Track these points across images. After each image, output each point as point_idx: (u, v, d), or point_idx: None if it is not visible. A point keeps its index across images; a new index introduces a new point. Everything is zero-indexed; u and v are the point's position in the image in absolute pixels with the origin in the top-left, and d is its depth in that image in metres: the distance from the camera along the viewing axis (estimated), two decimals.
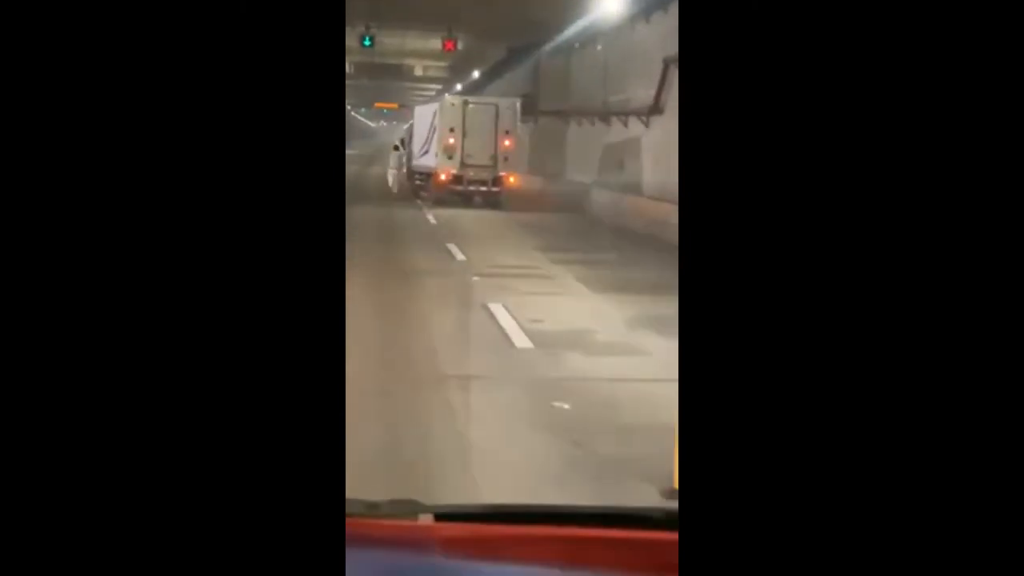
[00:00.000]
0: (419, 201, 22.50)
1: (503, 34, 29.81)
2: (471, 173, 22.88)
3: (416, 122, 27.08)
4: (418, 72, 49.84)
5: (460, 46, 29.67)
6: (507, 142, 23.01)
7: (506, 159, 22.97)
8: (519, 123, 24.30)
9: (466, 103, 24.01)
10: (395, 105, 64.89)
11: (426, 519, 1.38)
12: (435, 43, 36.02)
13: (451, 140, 22.97)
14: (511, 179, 23.09)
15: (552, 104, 28.87)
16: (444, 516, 1.40)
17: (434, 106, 24.63)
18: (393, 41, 36.76)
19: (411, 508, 1.40)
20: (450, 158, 22.91)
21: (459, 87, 48.24)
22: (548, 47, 27.59)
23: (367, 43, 29.07)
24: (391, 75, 50.27)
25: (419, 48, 39.85)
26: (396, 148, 28.01)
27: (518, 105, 24.32)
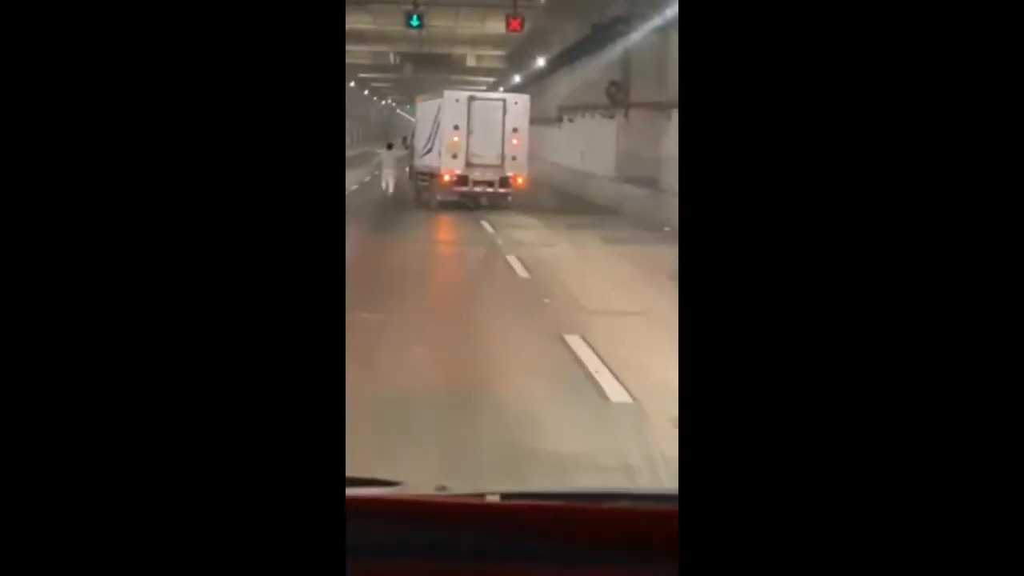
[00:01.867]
0: (487, 226, 18.21)
1: (583, 8, 24.43)
2: (477, 173, 21.33)
3: (419, 119, 25.02)
4: (470, 62, 45.03)
5: (527, 25, 24.93)
6: (515, 140, 21.51)
7: (514, 158, 21.48)
8: (527, 120, 22.61)
9: (471, 98, 22.30)
10: None
11: (439, 494, 1.46)
12: (493, 24, 31.50)
13: (455, 138, 21.45)
14: (519, 180, 21.57)
15: (646, 94, 23.79)
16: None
17: (438, 101, 22.67)
18: (444, 24, 32.09)
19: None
20: (454, 157, 21.35)
21: (518, 79, 43.11)
22: (641, 24, 22.07)
23: (415, 23, 25.02)
24: (440, 66, 45.55)
25: (473, 32, 35.08)
26: (389, 147, 25.86)
27: (527, 102, 22.71)
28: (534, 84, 36.61)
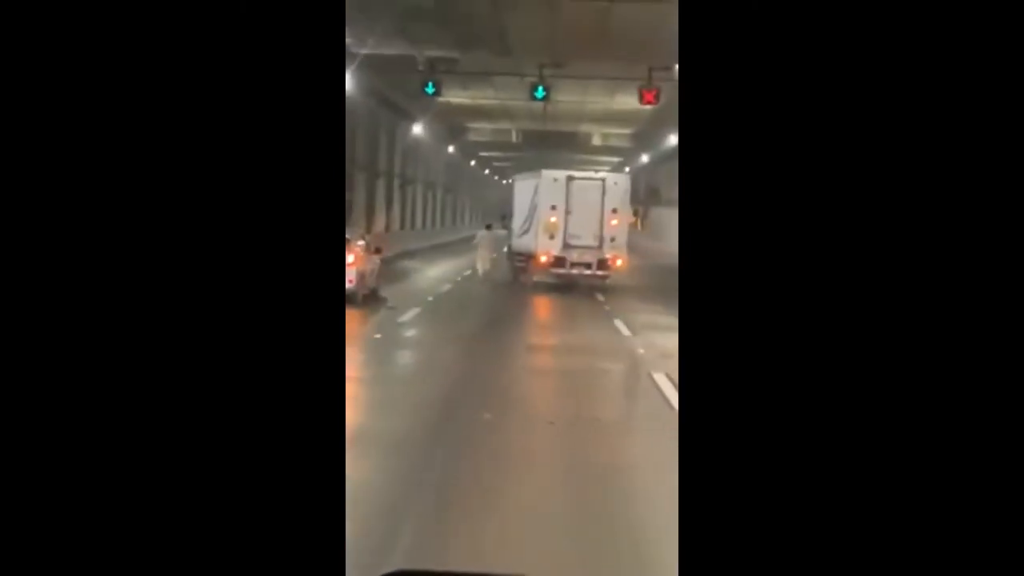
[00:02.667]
0: (622, 327, 15.49)
1: None
2: (575, 255, 20.80)
3: (516, 198, 24.09)
4: (596, 141, 43.37)
5: (663, 99, 23.21)
6: (614, 221, 21.05)
7: (613, 239, 20.96)
8: (628, 200, 22.39)
9: (570, 178, 21.64)
10: None
11: None
12: (622, 99, 29.71)
13: (553, 219, 20.96)
14: (618, 262, 21.08)
15: None
16: None
17: (535, 180, 22.16)
18: (570, 99, 30.42)
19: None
20: (552, 238, 20.85)
21: (645, 158, 41.27)
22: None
23: (540, 94, 23.03)
24: (564, 145, 44.14)
25: (600, 108, 33.35)
26: (488, 227, 24.95)
27: (627, 181, 22.42)
28: (664, 163, 34.77)
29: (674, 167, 32.99)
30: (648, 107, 23.75)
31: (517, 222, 23.24)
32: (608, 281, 20.59)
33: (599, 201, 21.03)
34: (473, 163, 47.86)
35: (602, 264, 20.78)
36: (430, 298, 18.64)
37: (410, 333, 14.33)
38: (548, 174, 21.98)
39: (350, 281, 15.53)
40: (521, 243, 22.43)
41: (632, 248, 23.57)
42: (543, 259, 20.92)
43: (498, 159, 50.90)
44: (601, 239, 20.84)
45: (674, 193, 32.26)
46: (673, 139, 32.57)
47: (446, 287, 21.26)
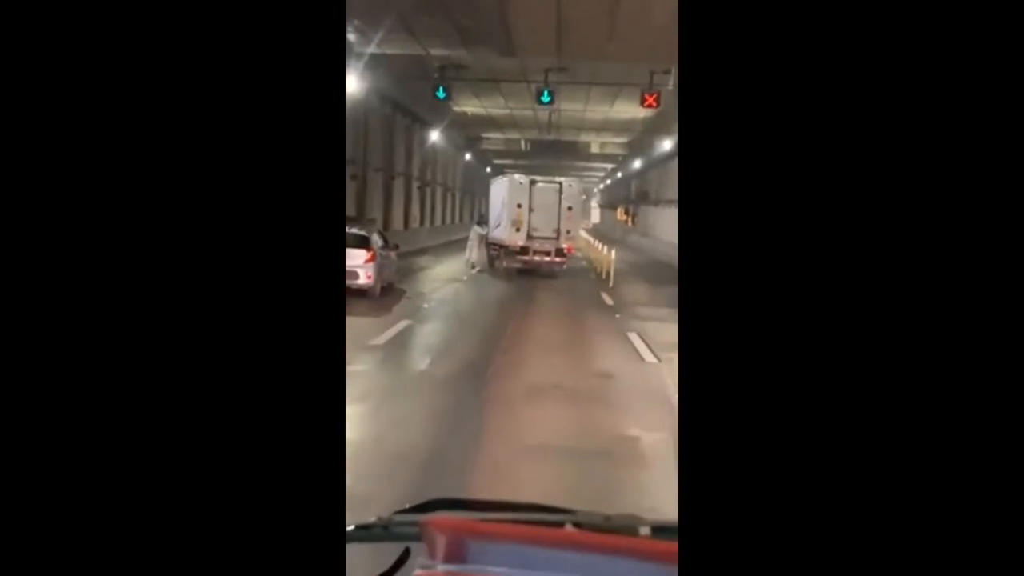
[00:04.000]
0: (642, 348, 10.49)
1: None
2: (537, 244, 21.15)
3: (492, 198, 24.24)
4: (594, 148, 39.76)
5: (654, 111, 20.18)
6: (569, 217, 21.47)
7: (568, 232, 21.44)
8: (581, 201, 22.59)
9: (533, 182, 21.98)
10: None
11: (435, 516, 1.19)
12: (621, 107, 26.08)
13: (519, 215, 21.36)
14: (571, 250, 21.71)
15: None
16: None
17: (506, 183, 22.56)
18: (573, 108, 26.96)
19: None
20: (518, 231, 21.33)
21: (638, 163, 37.69)
22: None
23: (545, 99, 19.79)
24: (565, 153, 40.69)
25: (600, 118, 29.77)
26: (478, 223, 24.30)
27: (580, 185, 22.74)
28: (654, 168, 31.46)
29: (663, 170, 30.28)
30: (643, 116, 22.24)
31: (492, 218, 23.23)
32: (609, 284, 19.11)
33: (557, 201, 21.32)
34: (488, 169, 44.47)
35: (559, 252, 21.15)
36: (425, 305, 14.68)
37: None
38: (516, 178, 22.41)
39: (368, 277, 14.08)
40: (495, 235, 22.37)
41: (626, 244, 23.05)
42: (510, 247, 21.24)
43: (509, 165, 47.50)
44: (559, 232, 21.14)
45: (664, 193, 29.39)
46: (663, 145, 29.33)
47: (449, 289, 17.23)
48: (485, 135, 39.30)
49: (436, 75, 19.77)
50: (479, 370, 8.42)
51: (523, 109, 28.39)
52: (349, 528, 1.11)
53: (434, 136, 31.11)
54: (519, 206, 21.41)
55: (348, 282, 14.16)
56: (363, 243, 14.66)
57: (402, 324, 11.26)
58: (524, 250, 21.16)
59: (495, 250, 22.15)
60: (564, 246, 21.13)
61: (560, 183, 21.92)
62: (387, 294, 14.90)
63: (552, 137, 37.24)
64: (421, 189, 33.16)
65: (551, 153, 40.16)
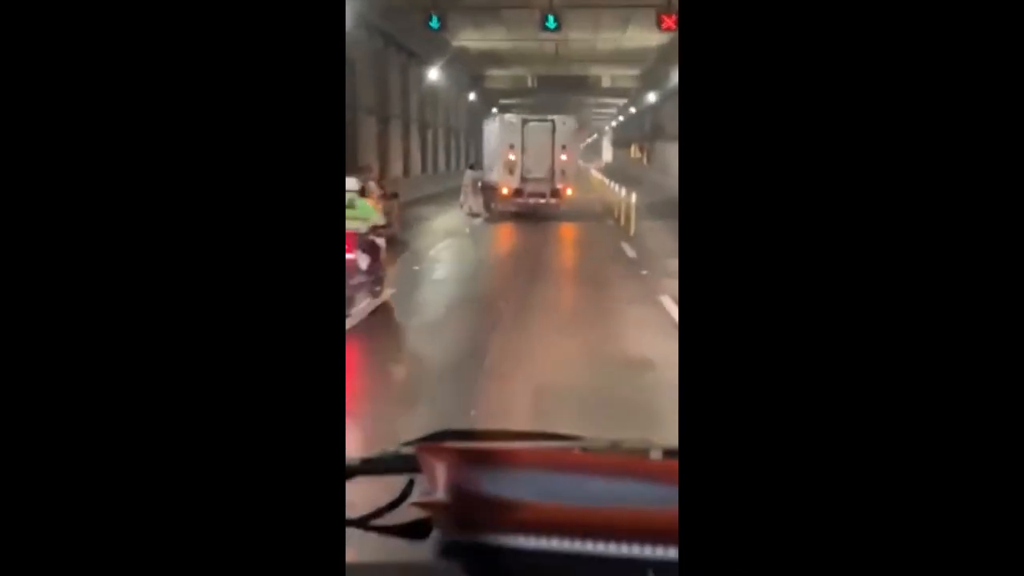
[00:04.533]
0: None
1: None
2: (531, 187, 20.44)
3: (485, 140, 23.80)
4: (606, 83, 37.35)
5: (667, 37, 18.26)
6: (564, 156, 20.69)
7: (563, 172, 20.65)
8: (576, 138, 22.51)
9: (524, 121, 21.19)
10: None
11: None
12: (634, 34, 23.82)
13: (511, 156, 20.62)
14: (568, 191, 20.78)
15: None
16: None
17: (496, 123, 21.89)
18: (581, 37, 24.65)
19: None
20: (511, 173, 20.55)
21: (652, 97, 35.28)
22: None
23: (551, 24, 17.58)
24: (576, 88, 38.35)
25: (609, 48, 27.42)
26: (471, 167, 23.43)
27: (575, 122, 22.01)
28: (668, 101, 29.21)
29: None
30: (657, 44, 19.82)
31: (486, 160, 22.58)
32: (631, 232, 17.05)
33: (550, 140, 20.51)
34: (495, 110, 42.16)
35: (554, 193, 20.39)
36: (416, 267, 12.66)
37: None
38: (506, 118, 21.68)
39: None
40: (489, 178, 21.42)
41: (641, 182, 21.36)
42: (504, 191, 20.42)
43: (516, 105, 45.12)
44: (553, 172, 20.37)
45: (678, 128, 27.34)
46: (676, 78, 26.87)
47: (447, 245, 15.22)
48: (489, 73, 37.36)
49: (429, 2, 17.81)
50: (467, 368, 6.39)
51: (527, 40, 26.45)
52: (351, 460, 1.12)
53: (433, 74, 28.72)
54: (511, 147, 20.60)
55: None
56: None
57: (386, 294, 9.23)
58: (518, 192, 20.42)
59: (489, 193, 21.10)
60: (559, 187, 20.46)
61: (553, 120, 21.09)
62: (389, 247, 13.27)
63: (560, 72, 35.09)
64: (421, 132, 30.93)
65: (559, 89, 37.94)
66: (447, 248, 14.45)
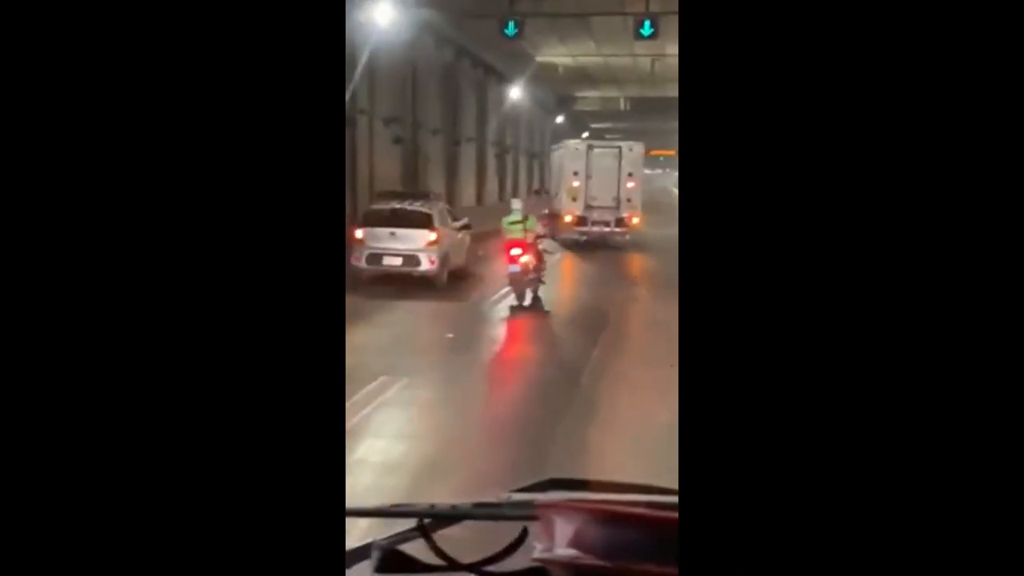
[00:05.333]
0: None
1: None
2: (595, 215, 19.90)
3: (552, 166, 23.91)
4: None
5: None
6: (630, 184, 20.20)
7: (629, 200, 20.13)
8: (642, 165, 21.80)
9: (590, 147, 20.74)
10: (672, 152, 50.39)
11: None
12: None
13: (575, 183, 20.13)
14: (634, 219, 20.27)
15: None
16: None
17: (562, 149, 21.60)
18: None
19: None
20: (574, 200, 20.05)
21: None
22: None
23: (646, 32, 15.23)
24: (672, 110, 35.03)
25: None
26: (536, 192, 23.85)
27: (641, 148, 21.37)
28: None
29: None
30: None
31: (553, 187, 22.28)
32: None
33: (616, 167, 20.23)
34: (586, 134, 39.63)
35: (619, 222, 20.12)
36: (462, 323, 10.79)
37: None
38: (571, 144, 21.46)
39: (432, 262, 12.33)
40: (554, 205, 21.21)
41: None
42: (567, 219, 20.10)
43: (608, 130, 42.68)
44: (619, 200, 20.10)
45: None
46: None
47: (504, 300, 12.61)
48: (578, 94, 35.07)
49: (507, 8, 15.95)
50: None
51: (620, 56, 24.06)
52: (468, 505, 1.18)
53: (515, 93, 26.25)
54: (575, 174, 20.17)
55: (408, 269, 12.48)
56: (424, 222, 12.60)
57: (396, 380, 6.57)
58: (582, 220, 19.92)
59: (553, 223, 20.20)
60: (624, 215, 20.10)
61: (620, 147, 20.91)
62: (460, 280, 13.04)
63: (655, 93, 32.48)
64: (499, 157, 28.51)
65: (655, 113, 35.09)
66: (506, 303, 11.77)
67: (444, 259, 12.63)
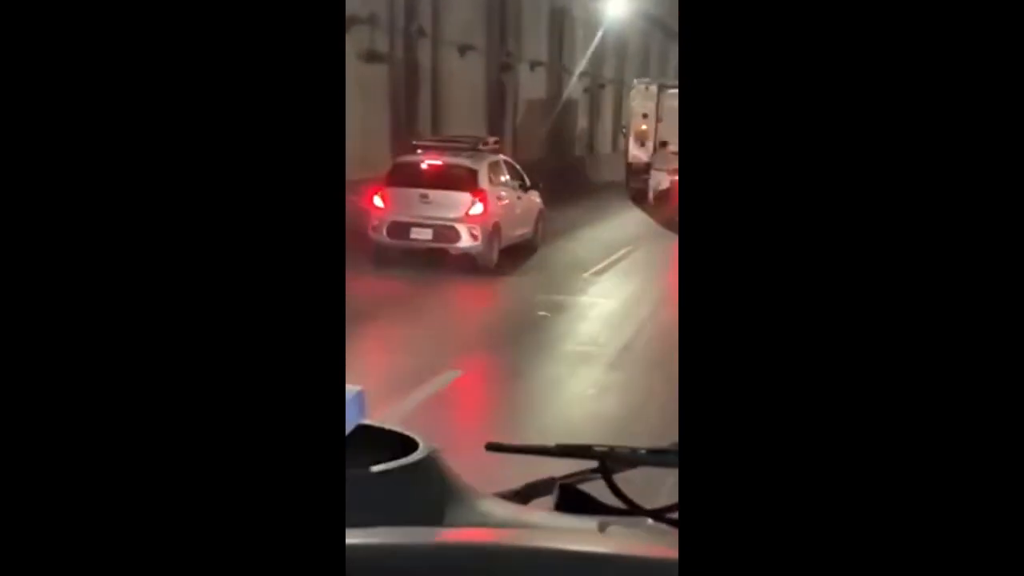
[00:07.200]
0: None
1: None
2: (667, 162, 17.66)
3: (626, 109, 21.94)
4: None
5: None
6: None
7: None
8: None
9: (662, 87, 18.47)
10: None
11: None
12: None
13: (643, 126, 18.60)
14: None
15: None
16: None
17: (633, 90, 19.90)
18: None
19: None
20: (642, 145, 18.50)
21: None
22: None
23: None
24: None
25: None
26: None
27: None
28: None
29: None
30: None
31: (624, 132, 20.93)
32: None
33: None
34: None
35: None
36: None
37: None
38: (640, 83, 19.77)
39: (474, 237, 9.44)
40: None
41: None
42: (633, 164, 18.79)
43: None
44: None
45: None
46: None
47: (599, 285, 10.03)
48: None
49: None
50: None
51: None
52: (643, 450, 1.21)
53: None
54: (644, 116, 18.67)
55: (442, 244, 9.67)
56: (466, 181, 9.62)
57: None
58: (648, 167, 17.63)
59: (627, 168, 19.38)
60: None
61: None
62: (518, 258, 10.25)
63: None
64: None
65: None
66: (598, 291, 9.12)
67: (494, 231, 9.71)
